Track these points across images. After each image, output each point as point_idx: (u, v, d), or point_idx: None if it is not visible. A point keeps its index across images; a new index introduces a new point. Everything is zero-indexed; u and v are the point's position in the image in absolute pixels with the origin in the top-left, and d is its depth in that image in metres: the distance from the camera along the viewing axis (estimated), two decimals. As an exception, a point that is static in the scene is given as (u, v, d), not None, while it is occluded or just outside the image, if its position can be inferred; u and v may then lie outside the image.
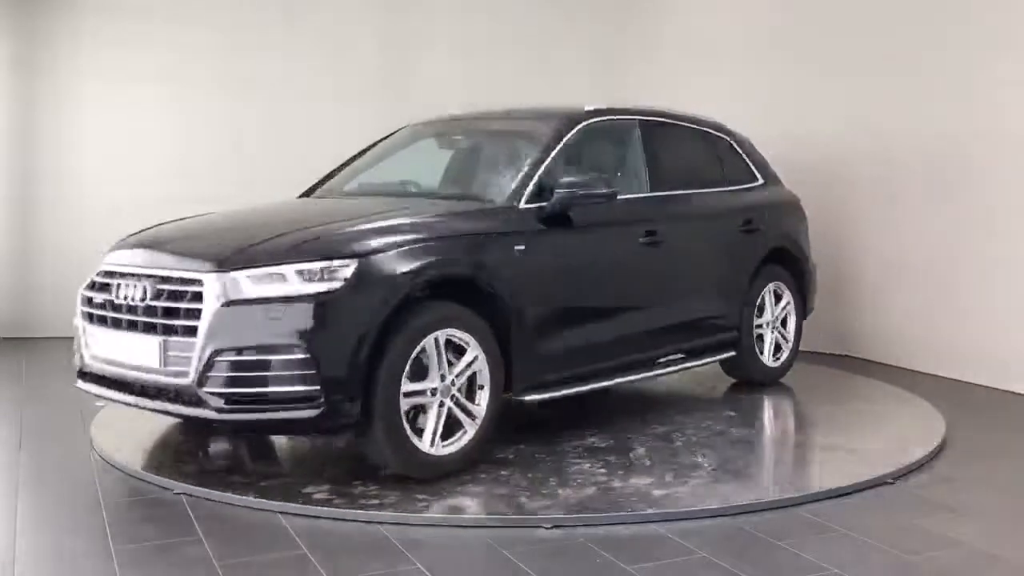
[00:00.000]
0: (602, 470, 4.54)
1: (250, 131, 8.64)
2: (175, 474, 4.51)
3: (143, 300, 4.30)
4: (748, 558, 3.57)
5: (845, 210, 7.51)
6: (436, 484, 4.32)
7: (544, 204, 4.90)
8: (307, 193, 5.88)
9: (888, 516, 4.05)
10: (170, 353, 4.19)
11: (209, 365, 4.09)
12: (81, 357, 4.67)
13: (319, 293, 4.10)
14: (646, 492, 4.23)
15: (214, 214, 5.38)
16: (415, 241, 4.39)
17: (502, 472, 4.52)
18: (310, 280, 4.13)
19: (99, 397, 4.73)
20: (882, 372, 6.96)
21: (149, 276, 4.38)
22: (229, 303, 4.11)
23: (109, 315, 4.46)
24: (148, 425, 5.48)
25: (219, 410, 4.11)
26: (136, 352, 4.31)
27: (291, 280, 4.13)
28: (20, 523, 4.01)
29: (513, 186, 4.97)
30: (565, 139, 5.27)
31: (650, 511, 4.00)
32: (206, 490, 4.28)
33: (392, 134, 6.15)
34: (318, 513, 4.03)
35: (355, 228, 4.46)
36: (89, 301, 4.63)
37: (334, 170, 6.01)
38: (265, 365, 4.09)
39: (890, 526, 3.93)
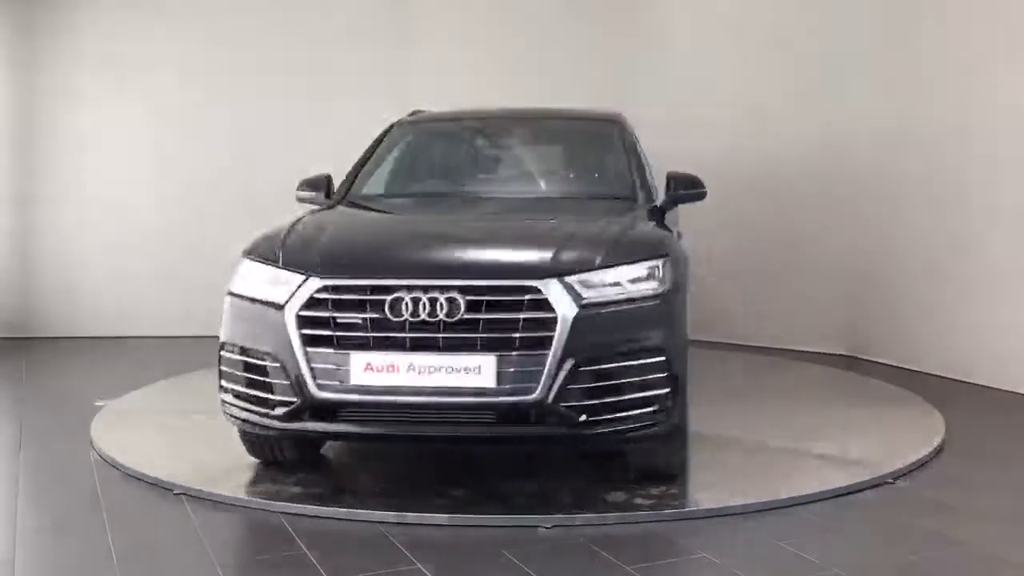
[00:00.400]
0: (602, 470, 4.53)
1: (251, 130, 8.64)
2: (175, 474, 4.51)
3: (455, 314, 3.83)
4: (748, 558, 3.57)
5: (844, 210, 7.51)
6: (436, 484, 4.32)
7: (656, 202, 5.02)
8: (342, 198, 5.35)
9: (888, 516, 4.05)
10: (509, 369, 3.81)
11: (568, 377, 3.81)
12: (310, 390, 3.92)
13: (659, 294, 4.03)
14: (646, 492, 4.23)
15: (372, 217, 5.03)
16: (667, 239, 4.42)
17: (502, 472, 4.51)
18: (644, 281, 4.05)
19: (343, 436, 4.33)
20: (882, 372, 6.96)
21: (452, 288, 3.87)
22: (583, 309, 3.87)
23: (397, 335, 3.86)
24: (148, 425, 5.49)
25: (575, 425, 3.85)
26: (455, 373, 3.82)
27: (630, 282, 4.03)
28: (20, 523, 4.01)
29: (643, 185, 5.15)
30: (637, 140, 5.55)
31: (650, 511, 4.00)
32: (207, 490, 4.28)
33: (387, 134, 5.88)
34: (318, 513, 4.03)
35: (641, 228, 4.43)
36: (331, 322, 3.94)
37: (353, 177, 5.55)
38: (624, 372, 3.91)
39: (890, 526, 3.93)
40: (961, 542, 3.73)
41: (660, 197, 5.14)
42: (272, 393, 4.02)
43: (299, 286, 4.01)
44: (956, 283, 6.72)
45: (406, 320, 3.85)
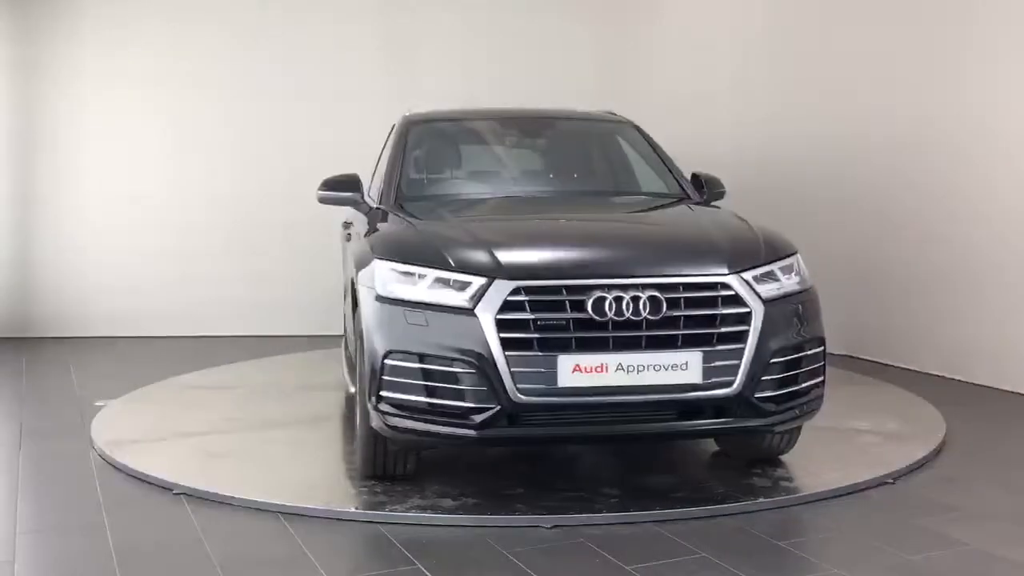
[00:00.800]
0: (602, 469, 4.53)
1: (250, 131, 8.65)
2: (175, 474, 4.50)
3: (658, 312, 3.85)
4: (748, 558, 3.57)
5: (843, 211, 7.50)
6: (436, 484, 4.32)
7: (701, 199, 5.27)
8: (397, 203, 5.14)
9: (888, 516, 4.05)
10: (713, 364, 3.90)
11: (762, 369, 3.96)
12: (511, 395, 3.81)
13: (808, 287, 4.29)
14: (646, 492, 4.23)
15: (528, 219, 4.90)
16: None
17: (503, 472, 4.51)
18: (793, 275, 4.24)
19: (545, 440, 4.30)
20: (882, 372, 6.96)
21: (650, 285, 3.90)
22: (766, 304, 4.02)
23: (603, 335, 3.85)
24: (148, 425, 5.48)
25: (770, 413, 4.03)
26: (663, 370, 3.86)
27: (784, 277, 4.19)
28: (20, 523, 4.01)
29: (685, 183, 5.41)
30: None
31: (650, 511, 4.00)
32: (207, 490, 4.28)
33: (407, 134, 5.68)
34: (319, 513, 4.03)
35: (763, 226, 4.52)
36: (532, 325, 3.85)
37: (399, 178, 5.35)
38: (800, 362, 4.12)
39: (890, 526, 3.93)
40: (961, 542, 3.73)
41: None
42: (464, 401, 3.86)
43: (484, 289, 3.88)
44: (956, 283, 6.72)
45: (610, 319, 3.83)
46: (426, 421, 3.93)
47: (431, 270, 4.02)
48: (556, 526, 3.87)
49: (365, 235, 4.69)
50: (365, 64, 8.91)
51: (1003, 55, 6.35)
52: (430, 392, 3.89)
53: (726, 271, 4.03)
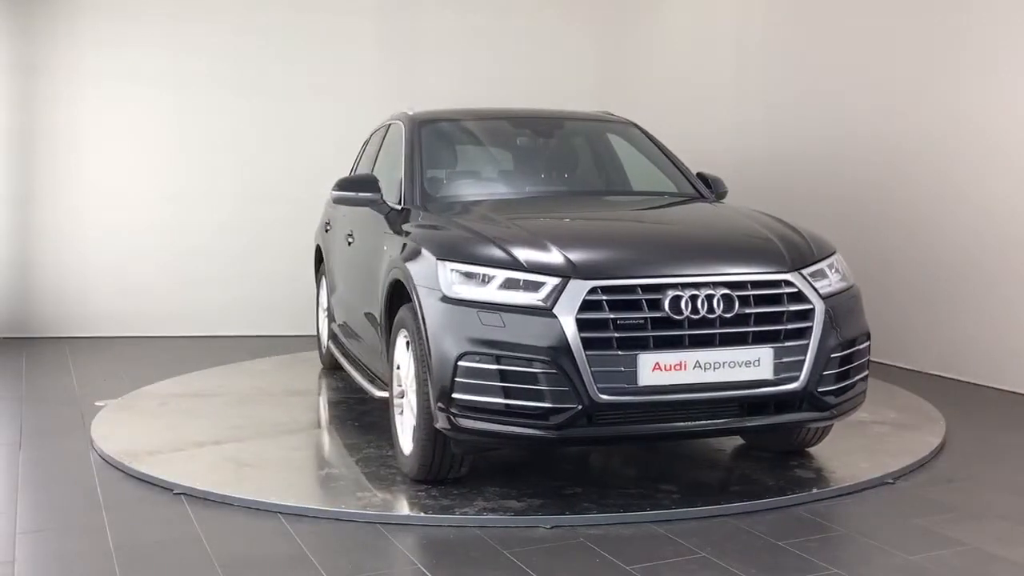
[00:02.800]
0: (602, 469, 4.53)
1: (248, 131, 8.66)
2: (175, 474, 4.51)
3: (731, 309, 3.93)
4: (748, 558, 3.57)
5: (843, 210, 7.50)
6: (435, 484, 4.32)
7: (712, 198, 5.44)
8: (421, 205, 5.07)
9: (888, 516, 4.05)
10: (782, 360, 3.99)
11: (824, 364, 4.05)
12: (592, 394, 3.81)
13: (852, 284, 4.42)
14: (646, 492, 4.23)
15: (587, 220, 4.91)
16: None
17: (502, 472, 4.52)
18: (837, 272, 4.37)
19: (624, 439, 4.29)
20: (882, 372, 6.96)
21: (720, 283, 3.97)
22: (824, 300, 4.14)
23: (681, 333, 3.89)
24: (148, 425, 5.48)
25: (830, 407, 4.14)
26: (738, 367, 3.93)
27: (831, 275, 4.31)
28: (20, 523, 4.01)
29: (695, 182, 5.54)
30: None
31: (650, 511, 4.00)
32: (207, 490, 4.28)
33: (417, 134, 5.53)
34: (318, 513, 4.03)
35: (799, 225, 4.66)
36: (611, 324, 3.86)
37: (422, 177, 5.25)
38: (854, 356, 4.26)
39: (890, 526, 3.93)
40: (961, 542, 3.73)
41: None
42: (543, 401, 3.83)
43: (559, 289, 3.89)
44: (956, 283, 6.72)
45: (686, 317, 3.89)
46: (502, 422, 3.89)
47: (500, 271, 4.01)
48: (556, 526, 3.87)
49: (406, 235, 4.63)
50: (364, 64, 8.92)
51: (1003, 55, 6.35)
52: (507, 393, 3.85)
53: (787, 269, 4.14)
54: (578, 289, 3.87)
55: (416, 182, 5.16)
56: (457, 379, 3.90)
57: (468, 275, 4.05)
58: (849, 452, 4.88)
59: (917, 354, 7.02)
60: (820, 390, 4.07)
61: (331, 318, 6.57)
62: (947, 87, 6.71)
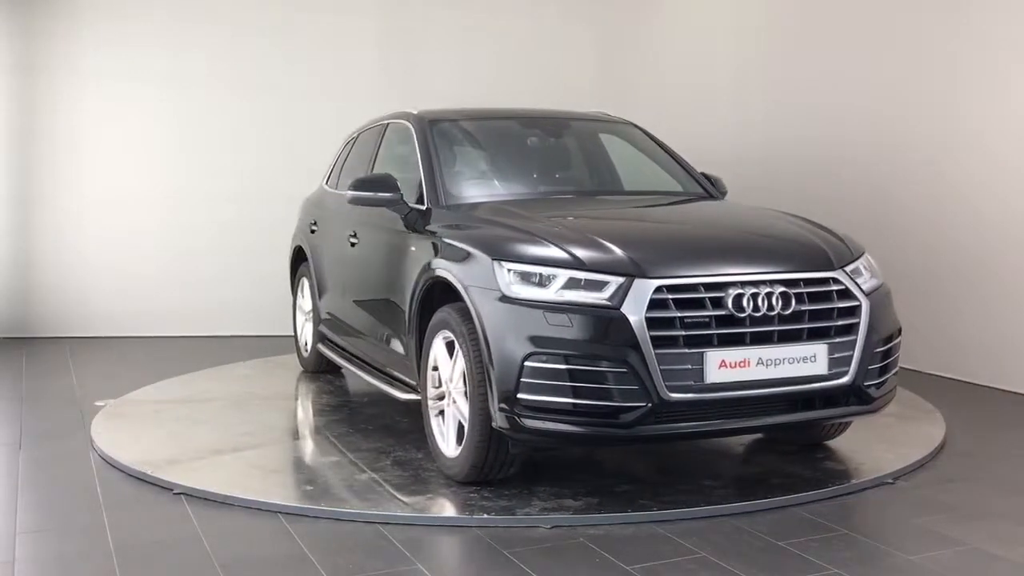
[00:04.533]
0: (602, 469, 4.53)
1: (249, 131, 8.66)
2: (175, 474, 4.50)
3: (789, 307, 4.02)
4: (748, 558, 3.57)
5: (842, 211, 7.50)
6: (435, 484, 4.32)
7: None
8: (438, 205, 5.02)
9: (888, 516, 4.05)
10: (835, 355, 4.11)
11: (870, 358, 4.21)
12: (661, 392, 3.84)
13: (883, 281, 4.54)
14: (646, 492, 4.23)
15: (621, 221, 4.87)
16: None
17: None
18: (870, 269, 4.49)
19: (690, 435, 4.31)
20: (882, 372, 6.96)
21: (777, 281, 4.05)
22: (867, 296, 4.26)
23: (743, 331, 3.96)
24: (148, 425, 5.48)
25: (873, 399, 4.28)
26: (796, 363, 4.03)
27: (865, 272, 4.43)
28: (20, 523, 4.01)
29: (703, 181, 5.65)
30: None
31: (650, 511, 4.00)
32: (206, 490, 4.28)
33: (429, 134, 5.43)
34: (318, 513, 4.03)
35: (826, 225, 4.76)
36: (678, 322, 3.90)
37: (441, 178, 5.18)
38: (892, 351, 4.42)
39: (890, 526, 3.93)
40: (961, 542, 3.73)
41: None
42: (612, 400, 3.85)
43: (625, 288, 3.91)
44: (956, 283, 6.72)
45: (748, 315, 3.96)
46: (570, 422, 3.89)
47: (562, 270, 4.01)
48: (556, 526, 3.87)
49: (439, 235, 4.61)
50: (364, 63, 8.92)
51: (1003, 54, 6.35)
52: (576, 392, 3.85)
53: (833, 266, 4.26)
54: (644, 288, 3.90)
55: (437, 181, 5.10)
56: (523, 379, 3.89)
57: (527, 275, 4.04)
58: (849, 452, 4.88)
59: (917, 354, 7.01)
60: (865, 384, 4.20)
61: (319, 320, 6.44)
62: (947, 88, 6.70)
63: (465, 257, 4.30)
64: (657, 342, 3.84)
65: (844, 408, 4.25)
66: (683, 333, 3.88)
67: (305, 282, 6.83)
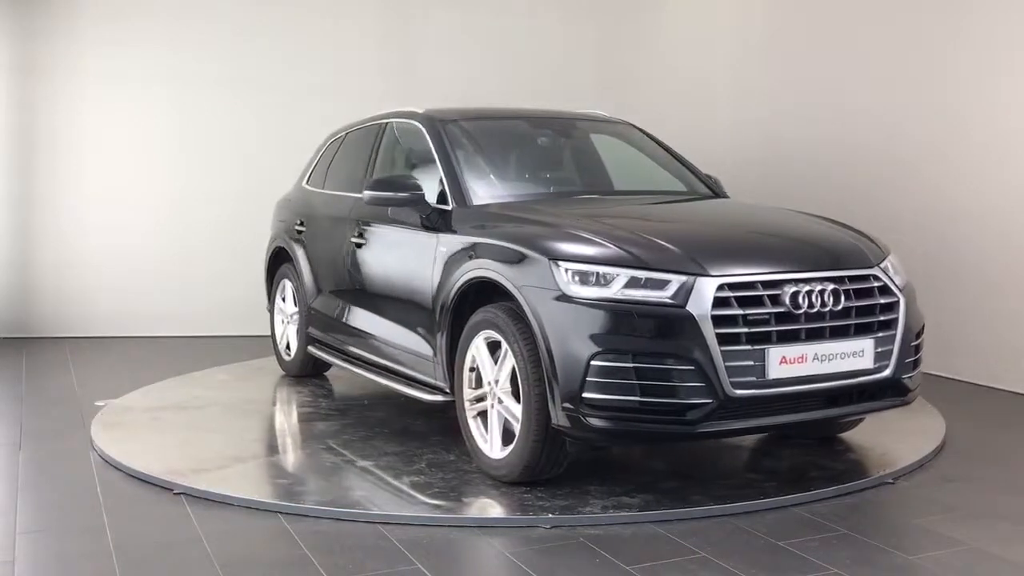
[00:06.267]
0: (601, 469, 4.53)
1: (249, 131, 8.65)
2: (175, 473, 4.50)
3: (839, 303, 4.13)
4: (748, 558, 3.57)
5: (842, 211, 7.50)
6: (435, 484, 4.32)
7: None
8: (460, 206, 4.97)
9: (888, 516, 4.06)
10: (879, 349, 4.24)
11: (906, 352, 4.33)
12: (726, 389, 3.89)
13: (908, 279, 4.61)
14: (645, 492, 4.23)
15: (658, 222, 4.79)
16: None
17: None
18: (896, 268, 4.57)
19: (751, 431, 4.49)
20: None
21: (827, 279, 4.15)
22: (902, 292, 4.39)
23: (799, 327, 4.04)
24: (148, 425, 5.48)
25: (907, 391, 4.44)
26: (847, 358, 4.16)
27: (896, 270, 4.54)
28: (20, 523, 4.00)
29: (707, 181, 5.75)
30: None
31: (650, 511, 4.00)
32: (207, 490, 4.28)
33: (441, 133, 5.36)
34: (318, 513, 4.03)
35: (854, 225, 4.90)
36: (741, 320, 3.95)
37: (463, 178, 5.11)
38: (921, 344, 4.53)
39: (890, 526, 3.93)
40: (960, 541, 3.73)
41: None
42: (679, 397, 3.88)
43: (688, 286, 3.95)
44: (955, 283, 6.72)
45: (804, 312, 4.05)
46: (636, 420, 3.93)
47: (624, 269, 4.02)
48: (556, 526, 3.87)
49: (473, 234, 4.60)
50: (364, 63, 8.92)
51: (1003, 54, 6.35)
52: (643, 391, 3.88)
53: (872, 263, 4.39)
54: (708, 286, 3.95)
55: (460, 181, 5.05)
56: (589, 378, 3.91)
57: (586, 274, 4.04)
58: (849, 452, 4.88)
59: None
60: (903, 376, 4.33)
61: (308, 322, 6.30)
62: (947, 88, 6.70)
63: (516, 257, 4.28)
64: (721, 339, 3.90)
65: (883, 401, 4.38)
66: (745, 330, 3.95)
67: (287, 284, 6.68)
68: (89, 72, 8.37)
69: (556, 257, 4.13)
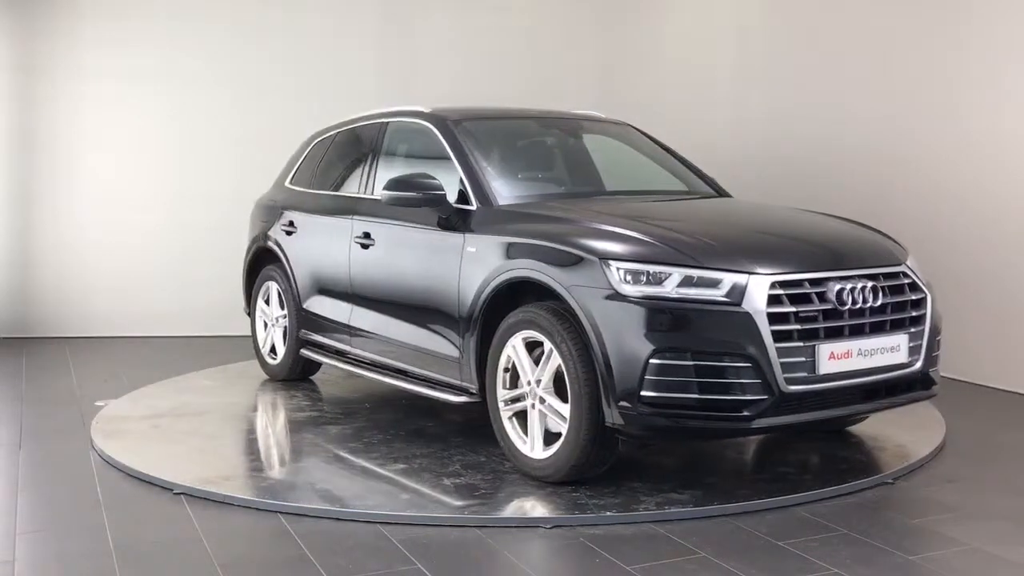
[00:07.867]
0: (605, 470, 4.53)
1: (249, 130, 8.65)
2: (175, 474, 4.50)
3: (878, 300, 4.25)
4: (748, 558, 3.57)
5: (843, 211, 7.50)
6: (434, 485, 4.32)
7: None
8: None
9: (888, 516, 4.05)
10: (912, 344, 4.38)
11: (933, 346, 4.50)
12: (780, 385, 3.98)
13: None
14: (645, 492, 4.23)
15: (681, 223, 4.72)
16: None
17: (501, 472, 4.52)
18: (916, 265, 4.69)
19: (802, 426, 4.49)
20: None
21: (865, 276, 4.28)
22: (926, 287, 4.55)
23: (844, 324, 4.16)
24: (148, 425, 5.48)
25: (933, 384, 4.58)
26: (886, 353, 4.29)
27: (918, 268, 4.66)
28: (20, 523, 4.01)
29: (709, 181, 5.81)
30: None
31: (650, 511, 4.00)
32: (207, 490, 4.28)
33: (453, 133, 5.31)
34: (318, 513, 4.03)
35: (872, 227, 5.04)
36: (793, 317, 4.04)
37: (483, 178, 5.06)
38: (941, 339, 4.66)
39: (890, 526, 3.93)
40: (960, 542, 3.73)
41: None
42: (735, 394, 3.95)
43: (743, 285, 4.01)
44: (956, 283, 6.72)
45: (848, 308, 4.16)
46: (694, 417, 3.98)
47: (677, 268, 4.06)
48: (556, 526, 3.87)
49: (506, 234, 4.56)
50: (364, 63, 8.92)
51: (1004, 54, 6.35)
52: (701, 388, 3.95)
53: (899, 261, 4.53)
54: (761, 284, 4.03)
55: (482, 180, 4.99)
56: (647, 377, 3.95)
57: (638, 273, 4.07)
58: (849, 452, 4.89)
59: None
60: (930, 370, 4.49)
61: (300, 324, 6.19)
62: (947, 89, 6.70)
63: (563, 257, 4.26)
64: (776, 337, 3.98)
65: (913, 394, 4.50)
66: (797, 327, 4.04)
67: (272, 286, 6.54)
68: (89, 71, 8.37)
69: (607, 257, 4.14)
